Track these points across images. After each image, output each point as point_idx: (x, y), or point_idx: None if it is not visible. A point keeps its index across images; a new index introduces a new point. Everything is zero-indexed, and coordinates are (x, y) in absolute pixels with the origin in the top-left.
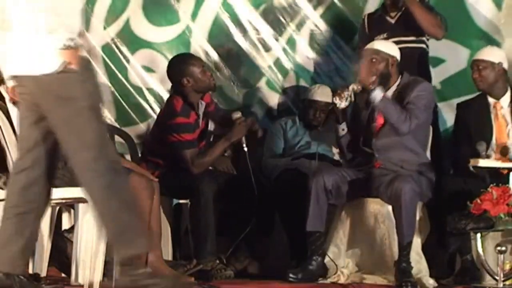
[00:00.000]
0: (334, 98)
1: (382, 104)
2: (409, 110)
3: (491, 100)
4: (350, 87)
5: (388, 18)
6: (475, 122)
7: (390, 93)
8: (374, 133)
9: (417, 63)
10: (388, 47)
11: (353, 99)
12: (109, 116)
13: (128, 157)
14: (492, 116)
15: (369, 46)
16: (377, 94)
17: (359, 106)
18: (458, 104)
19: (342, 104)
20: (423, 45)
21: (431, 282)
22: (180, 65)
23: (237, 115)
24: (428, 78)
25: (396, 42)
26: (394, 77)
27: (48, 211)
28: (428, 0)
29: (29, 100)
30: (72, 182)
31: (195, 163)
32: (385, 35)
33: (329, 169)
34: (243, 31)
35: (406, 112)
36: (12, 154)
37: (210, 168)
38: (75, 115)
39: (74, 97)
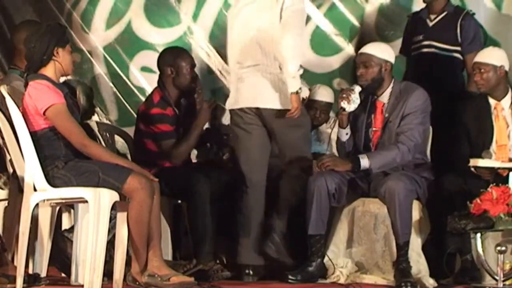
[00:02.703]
0: (342, 102)
1: (376, 165)
2: (404, 134)
3: (491, 101)
4: (356, 89)
5: (428, 20)
6: (475, 123)
7: (384, 98)
8: (372, 138)
9: (446, 70)
10: (382, 51)
11: (359, 101)
12: (110, 116)
13: (128, 157)
14: (493, 117)
15: (363, 49)
16: (364, 163)
17: (356, 111)
18: (458, 104)
19: (351, 107)
20: (456, 54)
21: (431, 282)
22: (170, 55)
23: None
24: (458, 86)
25: (428, 46)
26: (387, 82)
27: (48, 211)
28: (473, 13)
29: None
30: (72, 182)
31: (172, 154)
32: (420, 37)
33: (331, 172)
34: None
35: (396, 145)
36: (12, 155)
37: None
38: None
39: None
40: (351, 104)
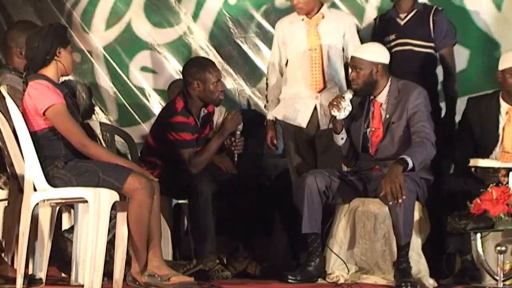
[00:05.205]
0: (332, 111)
1: (417, 163)
2: (423, 131)
3: (504, 105)
4: (346, 97)
5: (398, 20)
6: (481, 123)
7: (382, 98)
8: (370, 138)
9: (422, 67)
10: (372, 53)
11: (351, 108)
12: (110, 116)
13: (128, 156)
14: (502, 121)
15: (353, 53)
16: (410, 163)
17: (353, 112)
18: (469, 99)
19: (341, 115)
20: (430, 50)
21: (431, 282)
22: (198, 67)
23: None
24: (434, 82)
25: (403, 44)
26: (383, 82)
27: (48, 211)
28: (442, 9)
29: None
30: (72, 182)
31: (192, 162)
32: (393, 36)
33: (321, 170)
34: (244, 31)
35: (424, 141)
36: (12, 155)
37: (210, 167)
38: None
39: None
40: (341, 111)
